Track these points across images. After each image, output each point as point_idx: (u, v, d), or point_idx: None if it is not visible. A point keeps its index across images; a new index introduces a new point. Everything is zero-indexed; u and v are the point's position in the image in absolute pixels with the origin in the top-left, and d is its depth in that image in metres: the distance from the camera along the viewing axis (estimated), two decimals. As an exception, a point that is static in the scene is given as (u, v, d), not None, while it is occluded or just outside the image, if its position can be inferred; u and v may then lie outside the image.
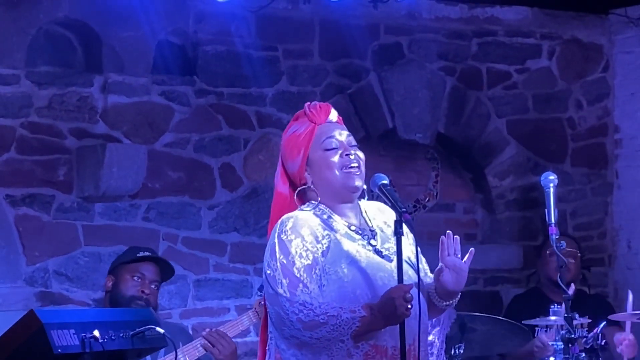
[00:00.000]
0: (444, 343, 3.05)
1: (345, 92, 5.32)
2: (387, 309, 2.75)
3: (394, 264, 2.85)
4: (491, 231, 5.75)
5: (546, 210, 3.61)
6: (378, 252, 2.91)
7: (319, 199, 2.92)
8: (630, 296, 4.23)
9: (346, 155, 2.92)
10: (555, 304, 4.24)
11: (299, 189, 2.94)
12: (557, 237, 3.57)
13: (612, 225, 5.94)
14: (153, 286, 4.11)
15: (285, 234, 2.83)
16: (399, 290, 2.75)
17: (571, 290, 4.01)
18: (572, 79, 5.90)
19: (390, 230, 2.94)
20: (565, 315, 3.62)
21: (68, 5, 4.61)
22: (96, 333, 2.91)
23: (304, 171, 2.93)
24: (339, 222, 2.91)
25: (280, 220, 2.88)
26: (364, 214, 2.99)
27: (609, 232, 5.94)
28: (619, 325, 4.74)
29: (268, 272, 2.83)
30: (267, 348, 2.91)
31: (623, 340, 4.25)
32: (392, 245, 2.92)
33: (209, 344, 3.90)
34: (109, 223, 4.72)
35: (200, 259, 4.95)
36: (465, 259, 2.87)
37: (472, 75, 5.66)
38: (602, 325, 4.08)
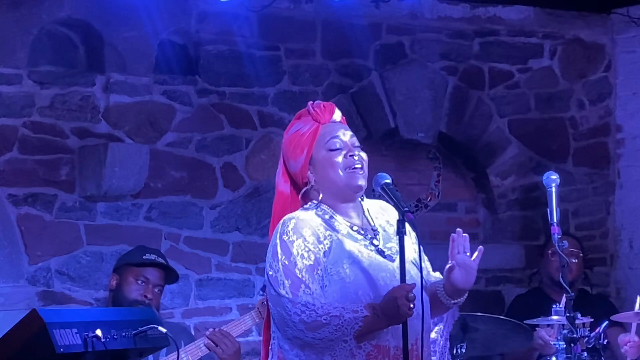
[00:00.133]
0: (447, 341, 3.05)
1: (347, 91, 5.32)
2: (390, 309, 2.75)
3: (396, 263, 2.85)
4: (493, 231, 5.75)
5: (548, 209, 3.61)
6: (380, 252, 2.91)
7: (320, 197, 2.92)
8: (639, 299, 4.22)
9: (350, 155, 2.92)
10: (557, 304, 4.23)
11: (304, 189, 2.94)
12: (559, 236, 3.57)
13: (614, 224, 5.94)
14: (157, 290, 4.10)
15: (287, 235, 2.83)
16: (401, 290, 2.75)
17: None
18: (574, 78, 5.90)
19: (392, 230, 2.94)
20: (568, 314, 3.62)
21: (70, 5, 4.61)
22: (98, 332, 2.91)
23: (307, 170, 2.93)
24: (340, 222, 2.91)
25: (281, 221, 2.88)
26: (366, 213, 2.99)
27: (611, 232, 5.94)
28: (622, 326, 4.74)
29: (270, 273, 2.83)
30: (270, 348, 2.91)
31: (628, 341, 4.25)
32: (394, 244, 2.92)
33: (212, 344, 3.90)
34: (111, 222, 4.72)
35: (203, 258, 4.96)
36: (474, 257, 2.88)
37: (474, 74, 5.66)
38: (604, 325, 4.08)
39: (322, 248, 2.84)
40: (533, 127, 5.80)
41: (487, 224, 5.78)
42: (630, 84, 5.92)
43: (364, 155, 2.95)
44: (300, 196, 2.95)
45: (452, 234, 2.88)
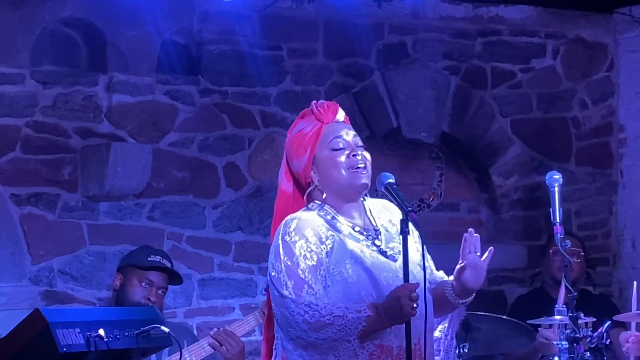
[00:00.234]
0: (453, 340, 3.05)
1: (349, 91, 5.32)
2: (393, 309, 2.75)
3: (399, 263, 2.85)
4: (495, 230, 5.75)
5: (551, 209, 3.60)
6: (382, 252, 2.90)
7: (324, 196, 2.92)
8: (635, 285, 4.21)
9: (353, 155, 2.92)
10: (560, 303, 4.23)
11: (308, 190, 2.94)
12: (562, 236, 3.57)
13: (616, 224, 5.93)
14: (160, 292, 4.10)
15: (289, 236, 2.83)
16: (404, 289, 2.75)
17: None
18: (577, 78, 5.90)
19: (395, 229, 2.94)
20: (570, 314, 3.62)
21: (73, 5, 4.62)
22: (101, 332, 2.90)
23: (310, 170, 2.93)
24: (343, 223, 2.91)
25: (283, 222, 2.88)
26: (368, 213, 2.99)
27: (614, 232, 5.94)
28: (624, 327, 4.73)
29: (273, 274, 2.83)
30: (273, 347, 2.92)
31: (629, 337, 4.24)
32: (396, 244, 2.92)
33: (216, 343, 3.90)
34: (113, 222, 4.73)
35: (205, 258, 4.96)
36: (484, 257, 2.88)
37: (476, 74, 5.66)
38: (607, 325, 4.07)
39: (324, 248, 2.84)
40: (535, 127, 5.79)
41: (489, 223, 5.78)
42: (632, 83, 5.91)
43: (367, 154, 2.95)
44: (305, 197, 2.94)
45: (465, 234, 2.88)
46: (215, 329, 3.99)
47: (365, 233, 2.92)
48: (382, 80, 5.41)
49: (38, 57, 4.61)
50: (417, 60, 5.49)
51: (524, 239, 5.76)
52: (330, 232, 2.87)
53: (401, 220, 2.82)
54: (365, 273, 2.84)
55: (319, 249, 2.83)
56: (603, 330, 4.03)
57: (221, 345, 3.89)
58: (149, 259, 4.10)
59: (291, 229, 2.84)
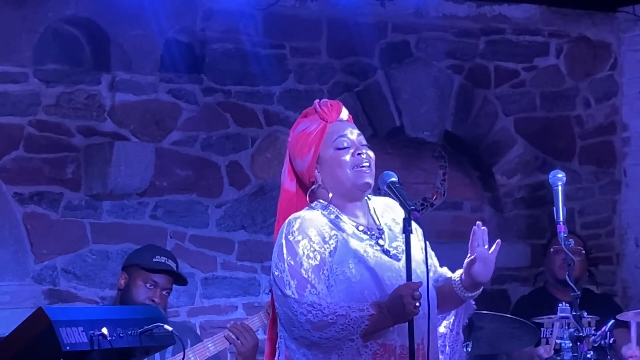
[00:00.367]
0: (459, 335, 3.04)
1: (352, 90, 5.32)
2: (396, 307, 2.74)
3: (402, 263, 2.85)
4: (499, 229, 5.75)
5: (554, 208, 3.60)
6: (386, 252, 2.90)
7: (330, 196, 2.92)
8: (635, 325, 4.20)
9: (358, 154, 2.92)
10: (564, 302, 4.22)
11: (311, 188, 2.93)
12: (565, 235, 3.56)
13: (620, 223, 5.93)
14: (165, 293, 4.09)
15: (292, 235, 2.83)
16: (407, 288, 2.75)
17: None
18: (580, 77, 5.89)
19: (398, 228, 2.93)
20: (574, 313, 3.62)
21: (76, 4, 4.62)
22: (104, 331, 2.91)
23: (314, 169, 2.93)
24: (346, 222, 2.91)
25: (287, 221, 2.87)
26: (371, 211, 2.99)
27: (617, 230, 5.93)
28: (628, 327, 4.73)
29: (276, 273, 2.83)
30: (276, 346, 2.91)
31: (632, 354, 4.26)
32: (400, 243, 2.91)
33: (232, 336, 3.90)
34: (116, 221, 4.73)
35: (208, 257, 4.96)
36: (492, 250, 2.89)
37: (479, 73, 5.66)
38: (610, 324, 4.07)
39: (327, 248, 2.84)
40: (539, 126, 5.79)
41: (492, 222, 5.77)
42: (636, 82, 5.91)
43: (371, 153, 2.95)
44: (307, 195, 2.94)
45: (474, 227, 2.89)
46: (232, 322, 4.00)
47: (369, 232, 2.92)
48: (385, 79, 5.41)
49: (41, 56, 4.61)
50: (420, 59, 5.49)
51: (527, 237, 5.75)
52: (333, 232, 2.87)
53: (404, 219, 2.82)
54: (368, 272, 2.83)
55: (322, 249, 2.83)
56: (606, 329, 4.02)
57: (237, 338, 3.90)
58: (154, 259, 4.08)
59: (294, 229, 2.84)
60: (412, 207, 2.81)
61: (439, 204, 5.76)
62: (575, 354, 3.69)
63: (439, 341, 2.99)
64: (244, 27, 5.01)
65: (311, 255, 2.81)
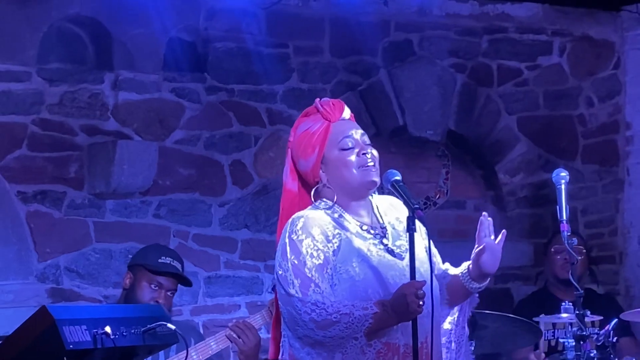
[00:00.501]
0: (465, 329, 3.05)
1: (355, 89, 5.32)
2: (399, 306, 2.74)
3: (406, 262, 2.85)
4: (502, 228, 5.69)
5: (557, 206, 3.59)
6: (390, 251, 2.90)
7: (335, 198, 2.92)
8: None
9: (363, 154, 2.92)
10: (566, 301, 4.22)
11: (316, 187, 2.93)
12: (568, 234, 3.56)
13: (622, 222, 5.92)
14: (169, 294, 4.09)
15: (296, 234, 2.83)
16: (410, 286, 2.75)
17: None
18: (583, 75, 5.89)
19: (402, 227, 2.93)
20: (577, 312, 3.61)
21: (79, 2, 4.62)
22: (108, 329, 2.90)
23: (319, 170, 2.93)
24: (350, 221, 2.91)
25: (290, 220, 2.88)
26: (375, 210, 2.99)
27: (620, 230, 5.93)
28: (633, 336, 4.75)
29: (280, 272, 2.83)
30: (280, 345, 2.91)
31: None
32: (403, 242, 2.91)
33: (234, 335, 3.90)
34: (120, 220, 4.73)
35: (211, 256, 4.96)
36: (498, 240, 2.89)
37: (482, 72, 5.65)
38: (613, 323, 4.07)
39: (331, 247, 2.84)
40: (542, 125, 5.79)
41: (495, 221, 5.69)
42: (639, 81, 5.90)
43: (375, 152, 2.96)
44: (312, 195, 2.94)
45: (481, 217, 2.89)
46: (234, 320, 3.99)
47: (372, 232, 2.92)
48: (388, 77, 5.41)
49: (45, 55, 4.61)
50: (423, 58, 5.49)
51: (530, 236, 5.75)
52: (337, 231, 2.87)
53: (408, 217, 2.82)
54: (372, 271, 2.84)
55: (326, 248, 2.83)
56: (610, 328, 4.02)
57: (238, 337, 3.89)
58: (159, 260, 4.07)
59: (298, 228, 2.84)
60: (416, 206, 2.81)
61: (442, 202, 5.76)
62: (579, 353, 3.68)
63: (444, 338, 2.99)
64: (247, 26, 5.01)
65: (315, 254, 2.81)
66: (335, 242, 2.85)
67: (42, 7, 4.55)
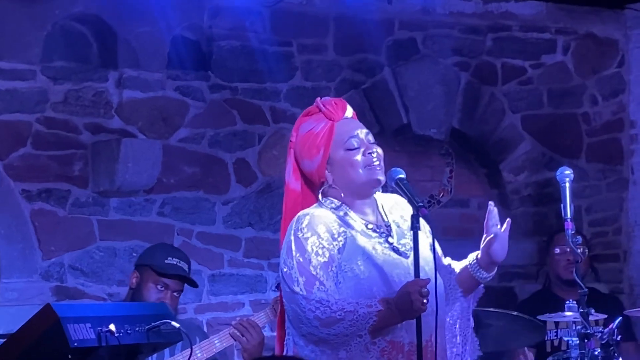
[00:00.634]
0: (470, 321, 3.05)
1: (359, 87, 5.32)
2: (403, 304, 2.75)
3: (410, 260, 2.85)
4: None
5: (562, 205, 3.59)
6: (395, 249, 2.91)
7: (342, 195, 2.92)
8: None
9: (368, 153, 2.93)
10: (570, 300, 4.22)
11: (322, 189, 2.94)
12: (572, 232, 3.56)
13: (627, 221, 5.92)
14: (175, 294, 4.09)
15: (301, 232, 2.83)
16: (414, 285, 2.75)
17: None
18: (588, 74, 5.88)
19: (406, 225, 2.94)
20: (581, 310, 3.61)
21: (83, 1, 4.62)
22: (112, 327, 2.91)
23: (324, 170, 2.93)
24: (356, 220, 2.91)
25: (296, 217, 2.88)
26: (380, 208, 2.99)
27: (624, 228, 5.92)
28: (636, 342, 4.73)
29: (284, 270, 2.84)
30: (284, 343, 2.92)
31: None
32: (408, 240, 2.92)
33: (237, 333, 3.89)
34: (124, 218, 4.73)
35: (215, 254, 4.96)
36: (503, 228, 2.90)
37: (486, 70, 5.65)
38: (618, 321, 4.06)
39: (336, 245, 2.84)
40: (546, 123, 5.78)
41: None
42: (643, 79, 5.90)
43: (380, 150, 2.96)
44: (320, 194, 2.94)
45: (489, 207, 2.92)
46: (238, 318, 4.00)
47: (378, 230, 2.92)
48: (392, 76, 5.40)
49: (49, 53, 4.62)
50: (427, 56, 5.48)
51: (534, 235, 5.75)
52: (342, 228, 2.87)
53: (412, 215, 2.82)
54: (377, 270, 2.84)
55: (331, 246, 2.83)
56: (614, 327, 4.02)
57: (242, 335, 3.89)
58: (166, 261, 4.05)
59: (303, 225, 2.84)
60: (420, 204, 2.81)
61: (446, 201, 5.75)
62: (583, 352, 3.68)
63: (449, 333, 2.99)
64: (251, 24, 5.01)
65: (320, 252, 2.82)
66: (341, 240, 2.85)
67: (46, 5, 4.55)
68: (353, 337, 2.78)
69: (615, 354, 4.12)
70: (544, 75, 5.78)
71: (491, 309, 4.47)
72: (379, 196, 3.01)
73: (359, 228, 2.90)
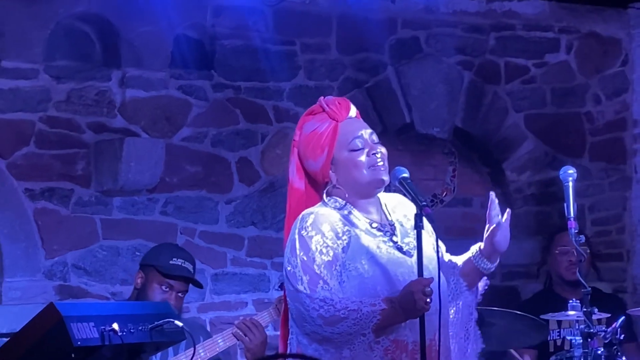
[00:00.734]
0: (473, 315, 3.06)
1: (362, 86, 5.32)
2: (407, 303, 2.75)
3: (414, 259, 2.85)
4: (509, 226, 5.73)
5: (565, 204, 3.59)
6: (399, 248, 2.91)
7: (347, 195, 2.92)
8: None
9: (373, 154, 2.93)
10: (573, 299, 4.22)
11: (326, 189, 2.94)
12: (576, 231, 3.55)
13: (630, 220, 5.91)
14: (180, 295, 4.09)
15: (306, 230, 2.84)
16: (418, 284, 2.75)
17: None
18: (591, 73, 5.87)
19: (410, 224, 2.94)
20: (584, 309, 3.61)
21: (86, 0, 4.62)
22: (115, 326, 2.91)
23: (329, 170, 2.93)
24: (360, 219, 2.91)
25: (300, 216, 2.88)
26: (384, 207, 2.99)
27: (627, 227, 5.91)
28: (637, 343, 4.73)
29: (288, 268, 2.84)
30: (288, 342, 2.92)
31: None
32: (412, 239, 2.92)
33: (240, 333, 3.89)
34: (127, 217, 4.73)
35: (218, 253, 4.96)
36: (504, 218, 2.91)
37: (489, 69, 5.65)
38: (621, 320, 4.06)
39: (340, 244, 2.84)
40: (549, 122, 5.78)
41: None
42: (647, 78, 5.89)
43: (383, 150, 2.97)
44: (325, 194, 2.94)
45: (491, 198, 2.95)
46: (241, 318, 4.00)
47: (382, 229, 2.92)
48: (395, 75, 5.40)
49: (52, 52, 4.62)
50: (430, 55, 5.48)
51: (537, 234, 5.74)
52: (346, 227, 2.87)
53: (415, 214, 2.82)
54: (380, 269, 2.84)
55: (335, 244, 2.83)
56: (617, 326, 4.01)
57: (245, 335, 3.89)
58: (170, 262, 4.05)
59: (308, 224, 2.84)
60: (424, 203, 2.81)
61: (449, 200, 5.75)
62: (586, 350, 3.68)
63: (452, 329, 3.00)
64: (254, 23, 5.01)
65: (324, 251, 2.82)
66: (345, 239, 2.85)
67: (49, 4, 4.55)
68: (357, 336, 2.78)
69: (619, 353, 4.12)
70: (547, 75, 5.78)
71: (494, 308, 4.47)
72: (383, 195, 3.01)
73: (363, 227, 2.90)
